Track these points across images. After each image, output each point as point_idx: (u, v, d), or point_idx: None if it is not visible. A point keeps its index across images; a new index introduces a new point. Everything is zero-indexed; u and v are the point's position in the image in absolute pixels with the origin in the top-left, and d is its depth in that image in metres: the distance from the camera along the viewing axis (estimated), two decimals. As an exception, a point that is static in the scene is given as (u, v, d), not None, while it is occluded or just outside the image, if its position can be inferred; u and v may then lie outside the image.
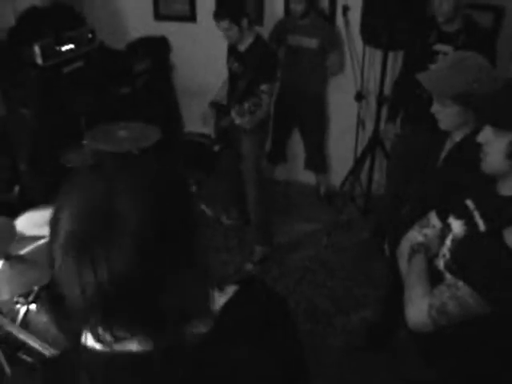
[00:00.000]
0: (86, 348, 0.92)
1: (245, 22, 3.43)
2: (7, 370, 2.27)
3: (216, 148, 3.78)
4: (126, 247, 0.79)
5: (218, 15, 3.44)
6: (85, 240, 0.80)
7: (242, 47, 3.57)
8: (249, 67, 3.51)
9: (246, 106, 3.34)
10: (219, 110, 3.75)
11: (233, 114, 3.46)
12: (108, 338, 0.86)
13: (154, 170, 0.92)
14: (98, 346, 0.90)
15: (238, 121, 3.45)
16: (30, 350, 2.32)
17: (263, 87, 3.46)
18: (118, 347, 0.88)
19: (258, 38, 3.56)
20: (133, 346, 0.89)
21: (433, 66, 2.35)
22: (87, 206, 0.82)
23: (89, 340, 0.91)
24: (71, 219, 0.82)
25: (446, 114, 2.04)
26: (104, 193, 0.83)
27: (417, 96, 3.24)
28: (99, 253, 0.79)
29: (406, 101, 3.57)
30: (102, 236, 0.79)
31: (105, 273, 0.79)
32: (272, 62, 3.55)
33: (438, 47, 3.20)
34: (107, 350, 0.89)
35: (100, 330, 0.86)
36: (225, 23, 3.40)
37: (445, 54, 3.12)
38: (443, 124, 2.09)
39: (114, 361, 0.89)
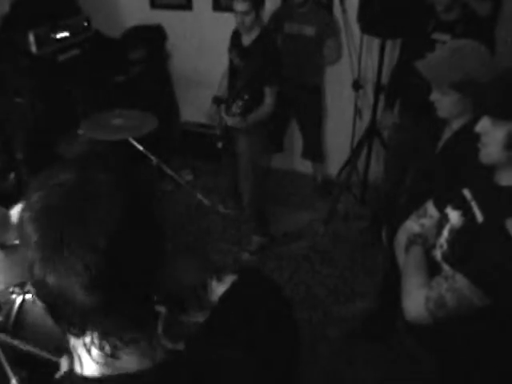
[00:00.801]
0: (82, 377, 0.87)
1: (262, 11, 3.33)
2: (10, 375, 2.26)
3: (219, 144, 3.74)
4: (102, 232, 0.76)
5: None
6: (62, 230, 0.76)
7: (247, 40, 3.44)
8: (250, 64, 3.41)
9: (234, 108, 3.33)
10: (221, 104, 3.72)
11: (224, 115, 3.45)
12: (106, 348, 0.83)
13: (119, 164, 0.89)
14: (95, 371, 0.86)
15: (229, 122, 3.43)
16: (25, 339, 2.31)
17: (268, 90, 3.42)
18: (117, 365, 0.85)
19: (264, 30, 3.43)
20: (131, 365, 0.86)
21: (430, 54, 2.33)
22: (57, 196, 0.79)
23: (85, 366, 0.87)
24: (40, 216, 0.78)
25: (444, 102, 2.03)
26: (75, 181, 0.80)
27: (414, 85, 3.23)
28: (80, 243, 0.75)
29: (403, 89, 3.56)
30: (77, 225, 0.76)
31: (92, 263, 0.75)
32: (276, 63, 3.44)
33: (437, 36, 3.18)
34: (105, 372, 0.85)
35: (98, 340, 0.83)
36: (245, 5, 3.21)
37: (443, 42, 3.10)
38: (442, 112, 2.08)
39: None
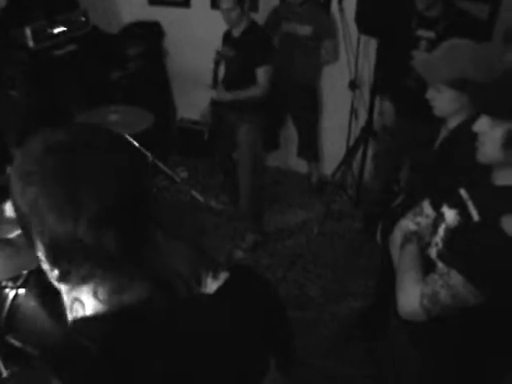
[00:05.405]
0: (85, 319, 0.89)
1: (246, 5, 3.50)
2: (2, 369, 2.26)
3: (206, 136, 3.84)
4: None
5: None
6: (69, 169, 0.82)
7: (237, 32, 3.59)
8: (242, 51, 3.55)
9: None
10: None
11: (212, 94, 3.68)
12: (110, 285, 0.87)
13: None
14: (98, 306, 0.88)
15: (214, 95, 3.69)
16: (18, 334, 2.31)
17: (259, 71, 3.51)
18: (120, 299, 0.89)
19: (253, 23, 3.61)
20: (131, 295, 0.89)
21: (415, 52, 2.35)
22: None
23: (87, 306, 0.89)
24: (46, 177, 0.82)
25: (440, 100, 2.04)
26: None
27: (402, 86, 3.24)
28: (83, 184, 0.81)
29: (393, 90, 3.55)
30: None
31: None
32: (266, 46, 3.59)
33: (421, 33, 3.19)
34: (108, 307, 0.88)
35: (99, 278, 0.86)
36: (229, 2, 3.40)
37: (428, 39, 3.12)
38: (438, 110, 2.09)
39: (119, 319, 0.88)
